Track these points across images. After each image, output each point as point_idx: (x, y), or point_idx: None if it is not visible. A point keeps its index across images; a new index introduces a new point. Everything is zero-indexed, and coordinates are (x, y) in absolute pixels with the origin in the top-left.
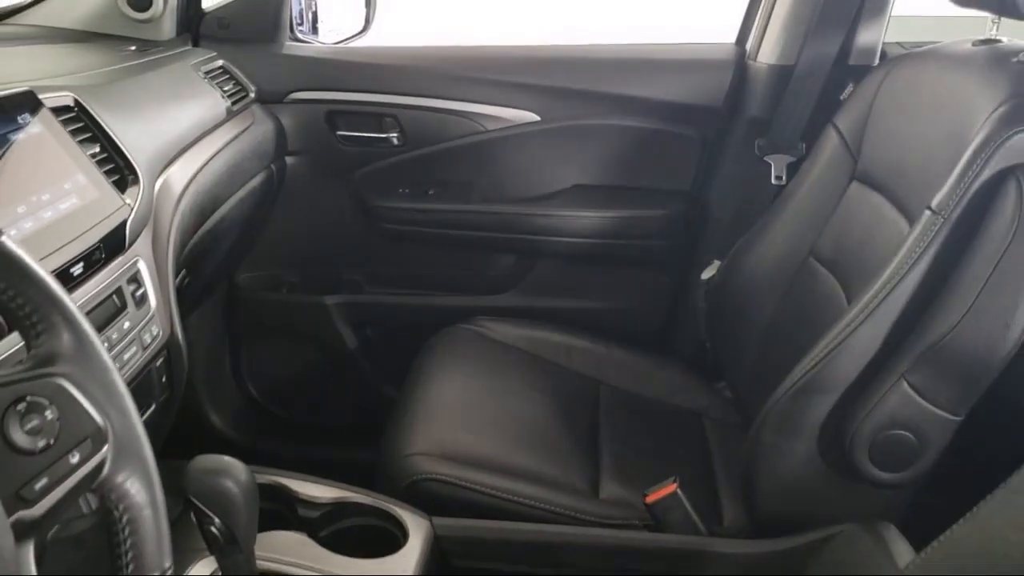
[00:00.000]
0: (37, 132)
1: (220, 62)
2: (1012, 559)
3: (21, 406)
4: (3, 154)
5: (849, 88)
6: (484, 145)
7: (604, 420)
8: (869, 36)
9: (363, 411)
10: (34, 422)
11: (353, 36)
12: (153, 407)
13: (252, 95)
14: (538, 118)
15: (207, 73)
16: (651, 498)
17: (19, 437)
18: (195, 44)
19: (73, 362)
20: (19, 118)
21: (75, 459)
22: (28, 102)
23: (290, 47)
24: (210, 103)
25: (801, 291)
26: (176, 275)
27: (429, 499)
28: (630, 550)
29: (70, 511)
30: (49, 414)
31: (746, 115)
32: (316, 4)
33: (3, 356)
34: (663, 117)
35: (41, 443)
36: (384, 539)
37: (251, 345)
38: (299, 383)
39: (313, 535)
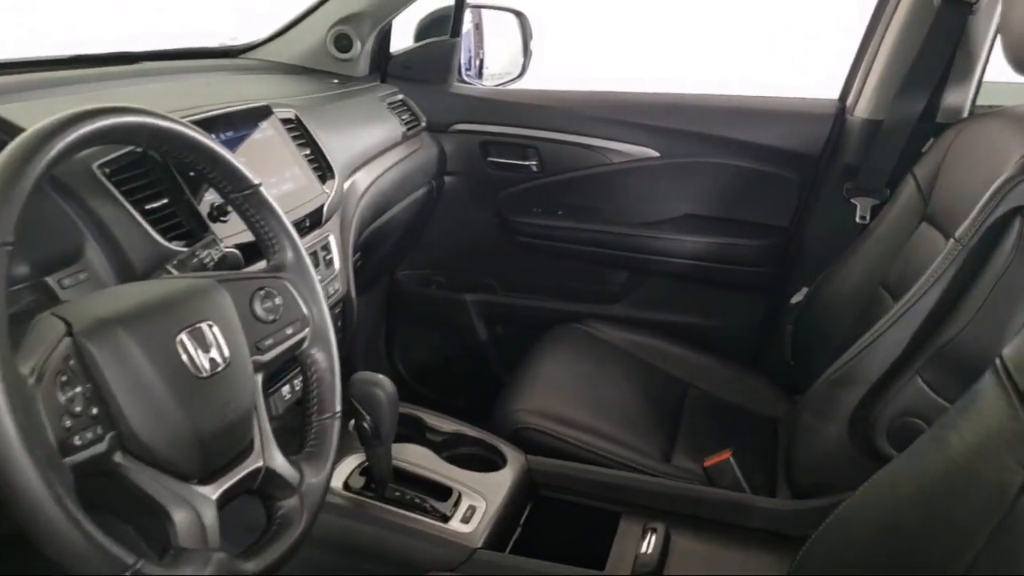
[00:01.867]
0: (270, 135)
1: (401, 96)
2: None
3: (261, 292)
4: (248, 145)
5: (930, 142)
6: (610, 175)
7: (686, 413)
8: (955, 98)
9: (487, 394)
10: (268, 304)
11: (510, 80)
12: None
13: (423, 124)
14: (657, 154)
15: (390, 104)
16: (708, 463)
17: (259, 311)
18: (383, 80)
19: (293, 272)
20: (259, 124)
21: (289, 331)
22: (265, 113)
23: (457, 87)
24: (390, 127)
25: (869, 315)
26: (353, 255)
27: (528, 444)
28: (684, 498)
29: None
30: (277, 300)
31: (840, 162)
32: (483, 53)
33: (256, 267)
34: (768, 160)
35: (271, 317)
36: (489, 467)
37: (403, 330)
38: (438, 365)
39: (435, 453)
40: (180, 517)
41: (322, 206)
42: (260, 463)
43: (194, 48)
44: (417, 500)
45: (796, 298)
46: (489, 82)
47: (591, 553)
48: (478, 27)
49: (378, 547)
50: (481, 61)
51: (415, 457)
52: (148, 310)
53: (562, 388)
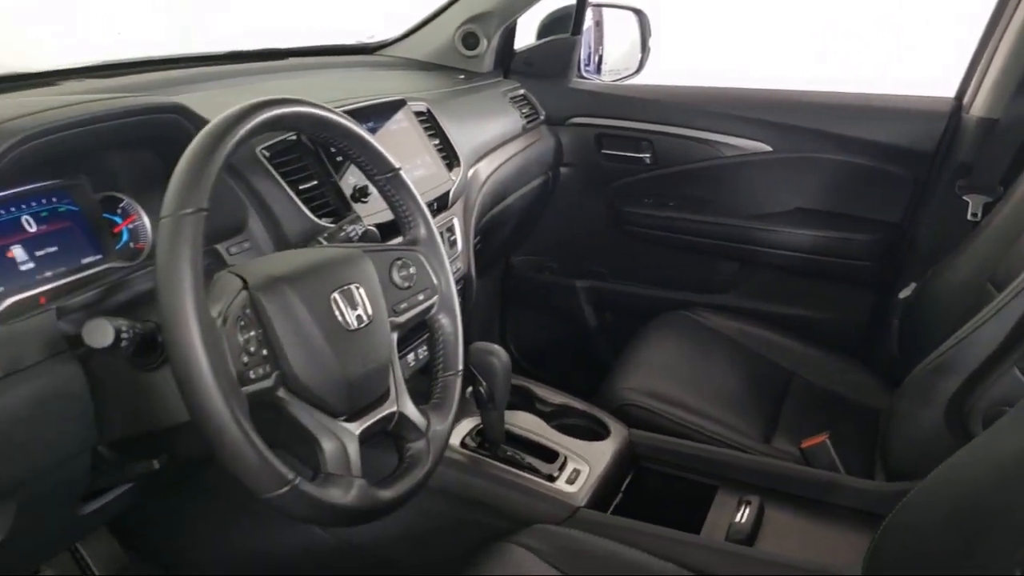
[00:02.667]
0: (404, 125)
1: (522, 91)
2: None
3: (399, 263)
4: (385, 134)
5: None
6: (721, 168)
7: (788, 400)
8: None
9: (594, 375)
10: (404, 273)
11: (627, 75)
12: None
13: (542, 117)
14: (770, 149)
15: (512, 98)
16: (805, 444)
17: (396, 279)
18: (506, 76)
19: (426, 246)
20: (395, 115)
21: (421, 298)
22: (400, 106)
23: (575, 82)
24: (511, 120)
25: (975, 310)
26: (474, 238)
27: (631, 419)
28: (780, 475)
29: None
30: (412, 270)
31: (955, 160)
32: (603, 50)
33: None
34: (880, 157)
35: (406, 284)
36: (593, 437)
37: (516, 313)
38: (548, 347)
39: (545, 422)
40: (329, 447)
41: (448, 192)
42: (395, 408)
43: (335, 45)
44: (526, 461)
45: (904, 293)
46: (607, 77)
47: (687, 522)
48: (599, 24)
49: (490, 499)
50: (600, 57)
51: (526, 423)
52: (309, 272)
53: (667, 369)
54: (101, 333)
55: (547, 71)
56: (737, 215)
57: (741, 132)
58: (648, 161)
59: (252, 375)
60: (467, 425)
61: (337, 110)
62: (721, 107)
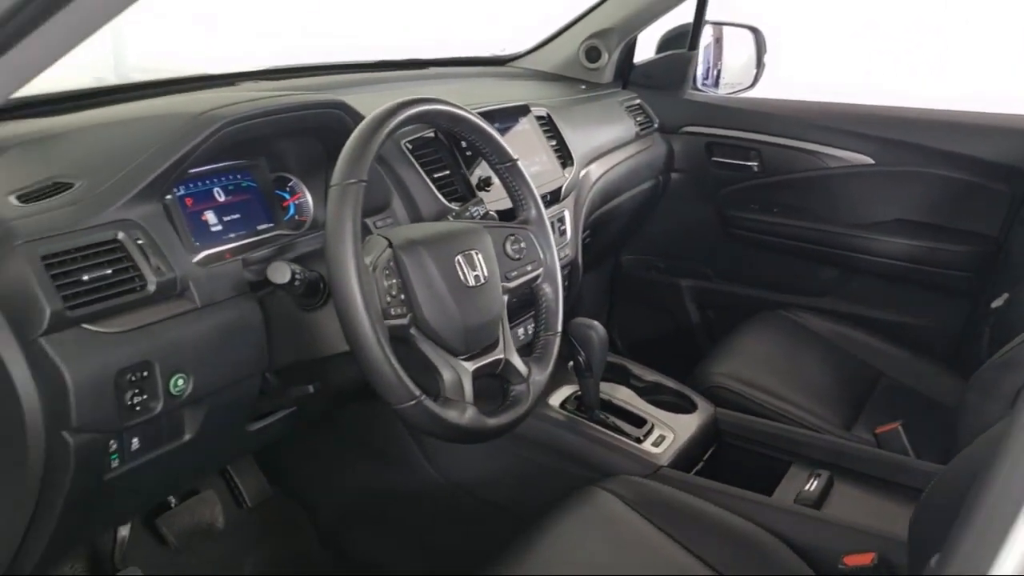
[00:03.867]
0: (526, 128)
1: (638, 100)
2: None
3: (512, 238)
4: (509, 134)
5: None
6: (825, 179)
7: (874, 398)
8: None
9: (690, 364)
10: (515, 246)
11: (742, 89)
12: None
13: (655, 125)
14: (872, 161)
15: (627, 107)
16: (879, 430)
17: (509, 251)
18: (624, 87)
19: (536, 226)
20: (519, 119)
21: (529, 268)
22: (524, 111)
23: (690, 94)
24: (625, 127)
25: None
26: (584, 231)
27: (718, 399)
28: (852, 455)
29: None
30: (522, 245)
31: None
32: (721, 65)
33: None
34: (982, 173)
35: (517, 256)
36: (681, 412)
37: (622, 308)
38: (650, 338)
39: (637, 396)
40: (448, 376)
41: (561, 187)
42: (502, 355)
43: (471, 57)
44: (617, 424)
45: (996, 303)
46: (723, 91)
47: (759, 490)
48: (718, 41)
49: (582, 453)
50: (719, 72)
51: (619, 394)
52: (439, 238)
53: (758, 359)
54: (281, 272)
55: (664, 83)
56: (838, 223)
57: (845, 145)
58: (756, 169)
59: (392, 312)
60: (566, 391)
61: (469, 109)
62: (827, 120)
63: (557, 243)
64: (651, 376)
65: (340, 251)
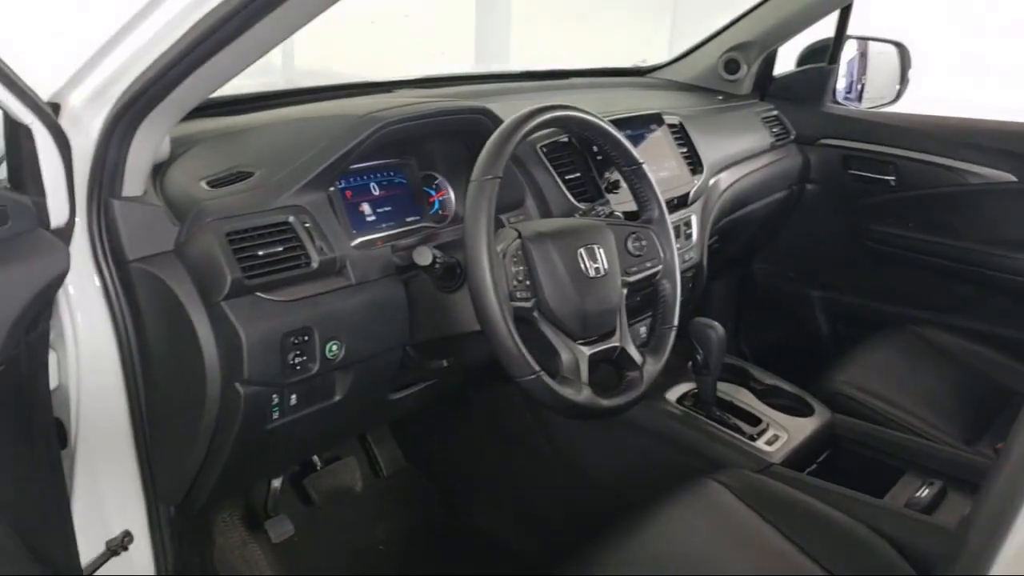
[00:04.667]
0: (658, 135)
1: (775, 112)
2: None
3: (634, 235)
4: (641, 140)
5: None
6: (964, 195)
7: (1002, 415)
8: None
9: (812, 373)
10: (637, 244)
11: (883, 104)
12: None
13: (792, 137)
14: (1015, 179)
15: (764, 118)
16: (1001, 445)
17: (631, 247)
18: (762, 98)
19: (657, 225)
20: (651, 126)
21: (648, 265)
22: (657, 119)
23: (829, 107)
24: (759, 137)
25: None
26: (711, 237)
27: (837, 406)
28: (969, 466)
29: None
30: (643, 243)
31: None
32: (865, 79)
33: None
34: None
35: (638, 253)
36: (798, 416)
37: (751, 314)
38: (778, 350)
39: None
40: (566, 358)
41: (689, 192)
42: (618, 343)
43: (611, 68)
44: (732, 421)
45: None
46: (865, 105)
47: (871, 494)
48: (863, 56)
49: (695, 446)
50: (863, 86)
51: (737, 395)
52: (564, 231)
53: (883, 371)
54: (423, 256)
55: (803, 95)
56: (976, 240)
57: (987, 161)
58: (893, 183)
59: (518, 295)
60: (684, 388)
61: (598, 115)
62: (969, 137)
63: (683, 246)
64: (770, 380)
65: (475, 238)
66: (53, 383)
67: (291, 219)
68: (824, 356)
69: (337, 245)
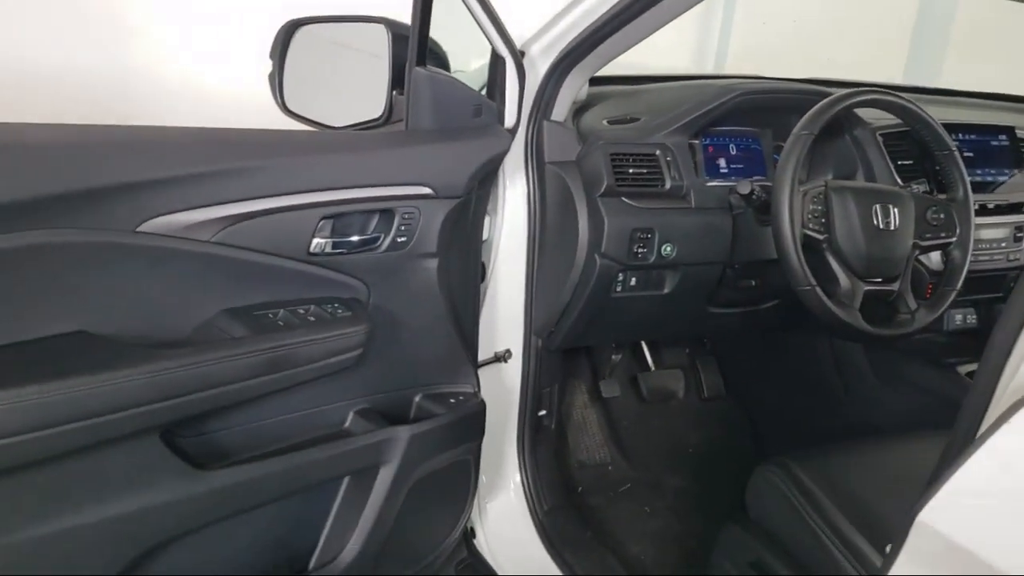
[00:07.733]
0: (1005, 144)
1: None
2: None
3: (934, 207)
4: (983, 146)
5: None
6: None
7: None
8: None
9: None
10: (935, 216)
11: None
12: None
13: None
14: None
15: None
16: None
17: (928, 217)
18: None
19: (959, 204)
20: (998, 135)
21: (942, 235)
22: (1006, 130)
23: None
24: None
25: None
26: None
27: None
28: None
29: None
30: (942, 216)
31: None
32: None
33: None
34: None
35: (934, 223)
36: None
37: None
38: None
39: None
40: (844, 284)
41: None
42: (897, 288)
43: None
44: None
45: None
46: None
47: None
48: None
49: None
50: None
51: None
52: (867, 190)
53: None
54: (744, 186)
55: None
56: None
57: None
58: None
59: (811, 226)
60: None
61: (914, 102)
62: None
63: (1011, 247)
64: None
65: (782, 175)
66: (485, 235)
67: (657, 152)
68: None
69: (687, 178)
